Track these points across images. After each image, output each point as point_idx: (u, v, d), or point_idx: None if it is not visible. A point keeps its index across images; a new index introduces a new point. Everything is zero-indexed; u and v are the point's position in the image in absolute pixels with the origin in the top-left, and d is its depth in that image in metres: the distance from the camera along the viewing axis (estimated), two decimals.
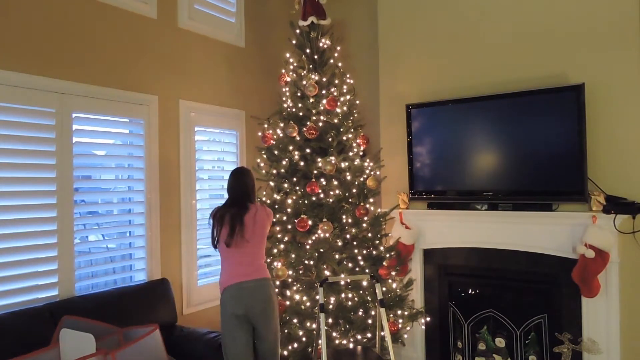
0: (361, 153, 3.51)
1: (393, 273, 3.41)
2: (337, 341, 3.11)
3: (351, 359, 2.84)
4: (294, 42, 3.62)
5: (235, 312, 2.64)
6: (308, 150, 3.34)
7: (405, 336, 3.53)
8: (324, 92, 3.41)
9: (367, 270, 3.26)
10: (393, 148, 3.97)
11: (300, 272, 3.24)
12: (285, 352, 3.12)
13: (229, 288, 2.68)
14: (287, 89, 3.52)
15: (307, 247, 3.22)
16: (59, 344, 2.35)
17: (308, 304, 3.14)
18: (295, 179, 3.37)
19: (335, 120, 3.36)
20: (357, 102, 3.64)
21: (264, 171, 3.48)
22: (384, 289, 3.38)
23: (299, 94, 3.48)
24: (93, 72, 3.02)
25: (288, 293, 3.21)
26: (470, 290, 3.72)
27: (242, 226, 2.70)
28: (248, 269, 2.69)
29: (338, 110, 3.36)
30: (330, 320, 3.13)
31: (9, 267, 2.58)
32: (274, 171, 3.43)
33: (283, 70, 3.54)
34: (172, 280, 3.36)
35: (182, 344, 3.03)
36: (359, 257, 3.28)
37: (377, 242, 3.39)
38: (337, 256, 3.20)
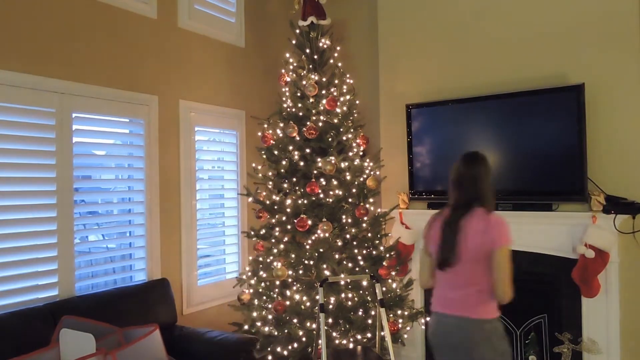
0: (361, 153, 3.51)
1: (393, 273, 3.41)
2: (337, 341, 3.11)
3: (351, 359, 2.84)
4: (293, 42, 3.62)
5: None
6: (308, 150, 3.33)
7: (405, 336, 3.53)
8: (323, 92, 3.41)
9: (367, 270, 3.26)
10: (393, 148, 3.97)
11: (300, 272, 3.24)
12: (285, 352, 3.12)
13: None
14: (287, 89, 3.52)
15: (307, 247, 3.22)
16: (59, 344, 2.35)
17: (308, 304, 3.14)
18: (295, 179, 3.36)
19: (335, 120, 3.35)
20: (357, 102, 3.63)
21: (260, 174, 3.48)
22: (384, 289, 3.37)
23: (298, 94, 3.48)
24: (93, 72, 3.02)
25: (288, 293, 3.20)
26: None
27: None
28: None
29: (338, 110, 3.36)
30: (330, 320, 3.13)
31: (9, 267, 2.58)
32: (273, 171, 3.43)
33: (283, 70, 3.54)
34: (172, 280, 3.36)
35: (182, 343, 3.03)
36: (359, 257, 3.28)
37: (377, 242, 3.39)
38: (337, 256, 3.20)
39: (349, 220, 3.28)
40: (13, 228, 2.61)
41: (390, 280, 3.45)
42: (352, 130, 3.44)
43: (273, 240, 3.34)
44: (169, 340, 2.98)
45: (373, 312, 3.17)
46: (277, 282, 3.26)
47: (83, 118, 2.96)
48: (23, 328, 2.43)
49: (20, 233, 2.64)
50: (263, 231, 3.39)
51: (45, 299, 2.71)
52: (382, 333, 2.97)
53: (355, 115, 3.57)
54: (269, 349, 3.19)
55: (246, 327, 3.37)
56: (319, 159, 3.26)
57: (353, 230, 3.29)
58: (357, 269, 3.26)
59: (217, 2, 3.90)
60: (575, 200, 3.15)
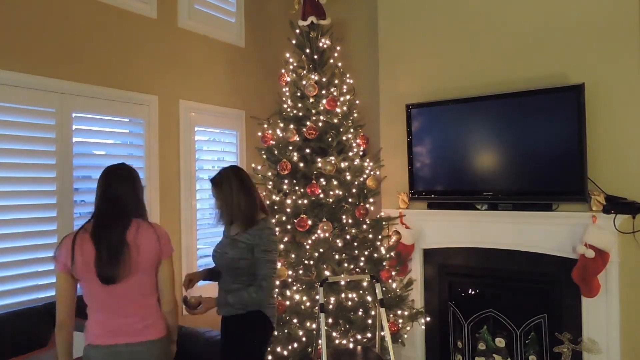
0: (361, 153, 3.51)
1: (393, 273, 3.41)
2: (337, 341, 3.11)
3: (351, 359, 2.84)
4: (293, 42, 3.62)
5: None
6: (308, 151, 3.33)
7: (405, 336, 3.53)
8: (323, 92, 3.41)
9: (366, 271, 3.26)
10: (393, 148, 3.97)
11: (300, 272, 3.24)
12: (285, 352, 3.12)
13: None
14: (287, 89, 3.52)
15: (307, 247, 3.21)
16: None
17: (308, 304, 3.14)
18: (294, 180, 3.36)
19: (335, 120, 3.35)
20: (357, 102, 3.63)
21: (260, 175, 3.47)
22: (383, 288, 3.37)
23: (298, 94, 3.48)
24: (93, 72, 3.02)
25: (288, 293, 3.20)
26: (470, 290, 3.71)
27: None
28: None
29: (338, 110, 3.36)
30: (330, 320, 3.13)
31: (9, 267, 2.58)
32: (273, 171, 3.43)
33: (283, 70, 3.53)
34: None
35: (182, 343, 3.02)
36: (361, 258, 3.28)
37: (378, 243, 3.39)
38: (337, 256, 3.20)
39: (349, 221, 3.28)
40: (13, 228, 2.61)
41: (390, 280, 3.45)
42: (352, 130, 3.44)
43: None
44: None
45: (373, 312, 3.17)
46: (277, 282, 3.26)
47: (83, 118, 2.96)
48: (23, 328, 2.43)
49: (20, 233, 2.64)
50: None
51: (45, 298, 2.71)
52: (382, 333, 2.97)
53: (355, 115, 3.57)
54: (268, 348, 3.18)
55: None
56: (319, 159, 3.26)
57: (353, 231, 3.29)
58: (357, 269, 3.26)
59: (217, 2, 3.90)
60: (575, 200, 3.15)
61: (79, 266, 1.86)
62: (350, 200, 3.33)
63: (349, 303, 3.17)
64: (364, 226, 3.35)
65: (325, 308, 2.94)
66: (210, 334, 3.04)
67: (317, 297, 2.85)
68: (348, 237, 3.30)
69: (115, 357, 1.87)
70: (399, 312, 3.41)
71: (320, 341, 2.72)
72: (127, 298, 1.90)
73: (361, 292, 3.23)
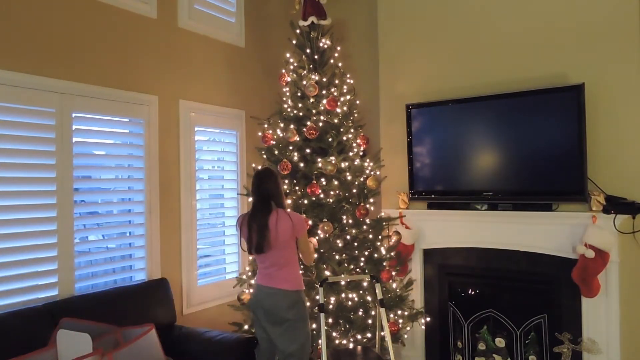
0: (361, 153, 3.51)
1: (393, 273, 3.41)
2: (337, 341, 3.11)
3: (351, 359, 2.84)
4: (294, 42, 3.62)
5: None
6: (308, 151, 3.33)
7: (405, 336, 3.53)
8: (324, 92, 3.41)
9: (366, 271, 3.26)
10: (393, 148, 3.97)
11: (300, 272, 3.23)
12: None
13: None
14: (287, 89, 3.52)
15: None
16: (57, 344, 2.35)
17: (308, 304, 3.14)
18: (295, 180, 3.36)
19: (335, 121, 3.35)
20: (357, 102, 3.63)
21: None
22: (384, 288, 3.37)
23: (299, 94, 3.48)
24: (93, 72, 3.02)
25: None
26: (470, 290, 3.72)
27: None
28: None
29: (338, 110, 3.36)
30: (330, 320, 3.13)
31: (9, 267, 2.58)
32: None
33: (283, 70, 3.53)
34: (172, 280, 3.36)
35: (182, 343, 3.03)
36: (361, 258, 3.28)
37: (378, 243, 3.39)
38: (337, 257, 3.20)
39: (350, 221, 3.28)
40: (13, 228, 2.61)
41: (390, 281, 3.45)
42: (352, 130, 3.44)
43: None
44: (168, 340, 2.98)
45: (373, 312, 3.17)
46: None
47: (83, 118, 2.96)
48: (23, 328, 2.42)
49: (20, 233, 2.64)
50: None
51: (45, 299, 2.71)
52: (382, 333, 2.97)
53: (356, 115, 3.57)
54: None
55: (246, 327, 3.37)
56: (319, 159, 3.26)
57: (353, 231, 3.29)
58: (357, 270, 3.26)
59: (217, 2, 3.90)
60: (575, 200, 3.16)
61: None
62: (350, 200, 3.33)
63: (349, 303, 3.17)
64: (364, 226, 3.35)
65: (325, 308, 2.96)
66: (210, 334, 3.04)
67: (317, 297, 2.86)
68: (348, 237, 3.30)
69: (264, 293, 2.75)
70: (399, 312, 3.41)
71: (320, 341, 2.74)
72: (270, 262, 2.72)
73: (361, 292, 3.23)
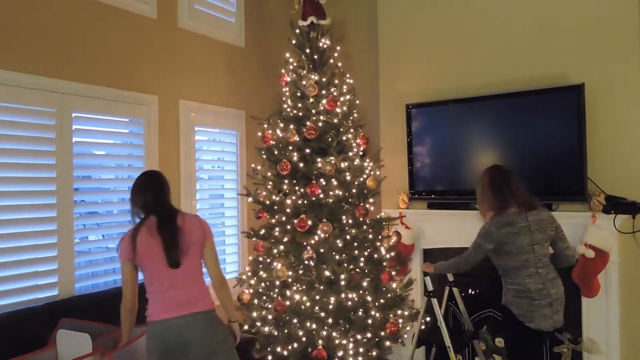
0: (361, 153, 3.51)
1: (393, 273, 3.41)
2: (337, 341, 3.11)
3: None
4: (293, 42, 3.61)
5: None
6: (308, 151, 3.33)
7: (405, 336, 3.53)
8: (323, 92, 3.41)
9: (366, 271, 3.26)
10: (393, 148, 3.97)
11: (300, 272, 3.23)
12: (285, 352, 3.12)
13: None
14: (287, 89, 3.52)
15: (308, 247, 3.21)
16: (56, 344, 2.35)
17: (308, 304, 3.14)
18: (294, 180, 3.36)
19: (335, 120, 3.35)
20: (357, 102, 3.63)
21: (260, 175, 3.47)
22: (384, 289, 3.37)
23: (298, 94, 3.48)
24: (93, 72, 3.02)
25: (288, 293, 3.20)
26: (470, 290, 3.71)
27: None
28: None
29: (338, 110, 3.36)
30: (330, 320, 3.13)
31: (9, 267, 2.58)
32: (273, 172, 3.43)
33: (283, 70, 3.53)
34: None
35: None
36: (361, 258, 3.28)
37: (378, 243, 3.38)
38: (337, 257, 3.20)
39: (349, 221, 3.28)
40: (13, 228, 2.61)
41: (390, 281, 3.45)
42: (352, 130, 3.44)
43: (273, 241, 3.33)
44: None
45: (373, 312, 3.17)
46: (277, 283, 3.25)
47: (83, 118, 2.96)
48: (23, 328, 2.43)
49: (20, 233, 2.64)
50: (263, 231, 3.39)
51: (45, 298, 2.71)
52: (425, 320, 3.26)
53: (355, 115, 3.56)
54: (269, 349, 3.18)
55: (246, 327, 3.37)
56: (318, 159, 3.25)
57: (353, 231, 3.29)
58: (357, 270, 3.26)
59: (217, 2, 3.90)
60: (575, 200, 3.15)
61: None
62: (350, 200, 3.32)
63: (349, 303, 3.16)
64: (364, 226, 3.35)
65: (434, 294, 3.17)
66: None
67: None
68: (348, 237, 3.29)
69: None
70: (399, 312, 3.41)
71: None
72: (174, 280, 2.31)
73: (361, 292, 3.23)
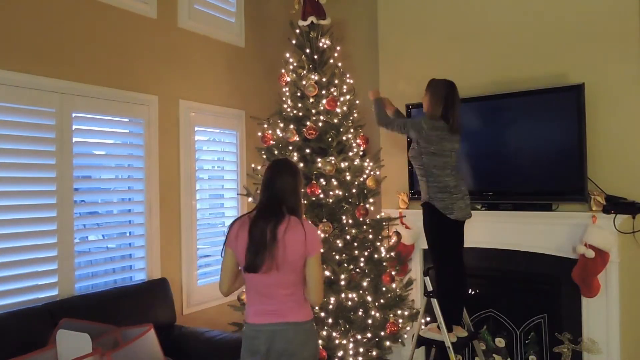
0: (361, 153, 3.51)
1: (393, 273, 3.41)
2: (337, 341, 3.11)
3: None
4: (293, 42, 3.61)
5: None
6: (308, 151, 3.33)
7: (405, 336, 3.53)
8: (323, 92, 3.41)
9: (367, 271, 3.26)
10: (393, 148, 3.97)
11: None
12: None
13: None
14: (287, 89, 3.52)
15: None
16: (56, 344, 2.35)
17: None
18: None
19: (335, 120, 3.35)
20: (357, 102, 3.63)
21: (260, 175, 3.46)
22: (384, 289, 3.37)
23: (298, 94, 3.48)
24: (93, 72, 3.02)
25: None
26: (470, 290, 3.71)
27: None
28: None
29: (338, 110, 3.36)
30: (330, 320, 3.13)
31: (9, 267, 2.58)
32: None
33: (283, 70, 3.53)
34: (172, 280, 3.36)
35: (181, 343, 3.03)
36: (361, 259, 3.28)
37: (378, 243, 3.38)
38: (337, 257, 3.19)
39: (349, 221, 3.28)
40: (13, 228, 2.61)
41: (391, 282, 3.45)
42: (352, 130, 3.44)
43: None
44: (168, 340, 2.98)
45: (373, 312, 3.18)
46: None
47: (83, 118, 2.96)
48: (23, 328, 2.43)
49: (20, 233, 2.64)
50: None
51: (45, 298, 2.71)
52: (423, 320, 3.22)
53: (355, 115, 3.56)
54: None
55: None
56: (318, 159, 3.25)
57: (353, 231, 3.29)
58: (357, 270, 3.26)
59: (217, 2, 3.90)
60: (575, 200, 3.15)
61: None
62: (350, 200, 3.32)
63: (349, 303, 3.16)
64: (364, 226, 3.35)
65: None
66: (210, 334, 3.04)
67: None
68: (348, 237, 3.29)
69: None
70: (399, 312, 3.41)
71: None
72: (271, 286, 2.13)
73: (361, 292, 3.23)
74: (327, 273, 3.14)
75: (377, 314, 3.17)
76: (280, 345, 2.06)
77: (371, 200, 3.39)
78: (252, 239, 2.05)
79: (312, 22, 3.48)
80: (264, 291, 2.09)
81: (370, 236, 3.36)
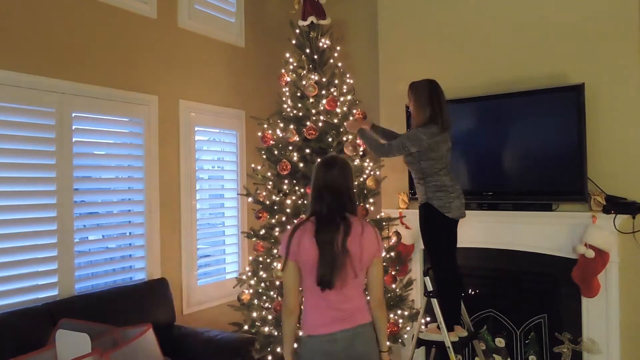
0: (361, 153, 3.51)
1: (393, 273, 3.41)
2: None
3: None
4: (293, 42, 3.61)
5: None
6: (308, 151, 3.33)
7: (405, 336, 3.53)
8: (323, 92, 3.41)
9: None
10: None
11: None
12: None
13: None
14: (287, 89, 3.52)
15: None
16: (55, 344, 2.35)
17: None
18: (294, 180, 3.36)
19: (335, 121, 3.35)
20: (357, 102, 3.63)
21: (260, 175, 3.46)
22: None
23: (298, 94, 3.48)
24: (93, 72, 3.02)
25: None
26: (470, 290, 3.71)
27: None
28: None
29: (338, 110, 3.36)
30: None
31: (9, 267, 2.58)
32: (273, 172, 3.42)
33: (283, 70, 3.53)
34: (171, 280, 3.36)
35: (181, 343, 3.03)
36: None
37: None
38: None
39: None
40: (13, 228, 2.61)
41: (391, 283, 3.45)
42: None
43: (273, 241, 3.33)
44: (167, 340, 2.98)
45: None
46: (277, 282, 3.25)
47: (83, 118, 2.97)
48: (23, 328, 2.43)
49: (20, 233, 2.64)
50: (263, 231, 3.39)
51: (45, 298, 2.71)
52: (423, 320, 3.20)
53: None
54: (268, 349, 3.18)
55: (246, 327, 3.36)
56: (318, 160, 3.25)
57: None
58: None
59: (217, 2, 3.90)
60: (575, 200, 3.15)
61: None
62: None
63: None
64: None
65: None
66: (210, 334, 3.04)
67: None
68: None
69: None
70: (399, 312, 3.41)
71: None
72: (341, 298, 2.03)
73: None
74: None
75: None
76: (360, 348, 1.97)
77: (371, 200, 3.39)
78: (323, 253, 1.88)
79: (312, 22, 3.49)
80: (335, 305, 1.95)
81: None
